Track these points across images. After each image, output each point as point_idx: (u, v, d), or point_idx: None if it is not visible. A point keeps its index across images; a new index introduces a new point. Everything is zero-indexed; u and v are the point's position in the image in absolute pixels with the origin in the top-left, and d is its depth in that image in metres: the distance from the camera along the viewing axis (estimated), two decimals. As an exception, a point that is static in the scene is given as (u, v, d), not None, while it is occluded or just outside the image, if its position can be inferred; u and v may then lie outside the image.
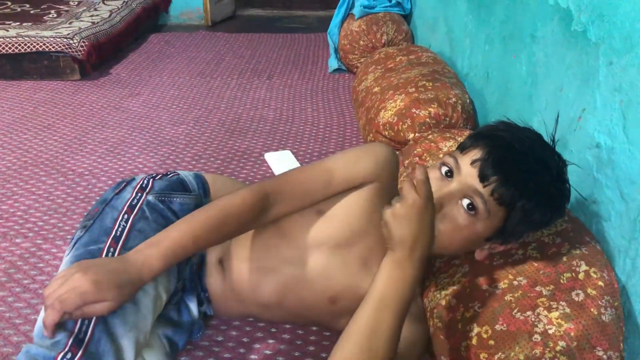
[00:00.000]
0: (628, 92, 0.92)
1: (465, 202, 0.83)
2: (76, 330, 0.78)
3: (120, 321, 0.81)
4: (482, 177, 0.82)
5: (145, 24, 3.47)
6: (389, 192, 0.97)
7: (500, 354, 0.85)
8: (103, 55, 2.77)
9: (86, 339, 0.78)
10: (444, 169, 0.86)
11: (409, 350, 0.89)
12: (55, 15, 3.12)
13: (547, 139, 0.90)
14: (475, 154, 0.84)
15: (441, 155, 1.28)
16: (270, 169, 1.78)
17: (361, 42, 2.65)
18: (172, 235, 0.85)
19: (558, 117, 1.02)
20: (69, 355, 0.75)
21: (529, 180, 0.82)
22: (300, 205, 0.96)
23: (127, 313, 0.83)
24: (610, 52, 0.99)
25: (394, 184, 0.99)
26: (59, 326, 0.77)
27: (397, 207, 0.72)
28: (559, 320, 0.83)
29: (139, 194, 1.00)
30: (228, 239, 0.94)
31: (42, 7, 3.32)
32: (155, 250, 0.83)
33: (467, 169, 0.84)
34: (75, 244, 0.92)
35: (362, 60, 2.59)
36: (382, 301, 0.72)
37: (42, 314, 0.84)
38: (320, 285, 0.98)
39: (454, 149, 1.01)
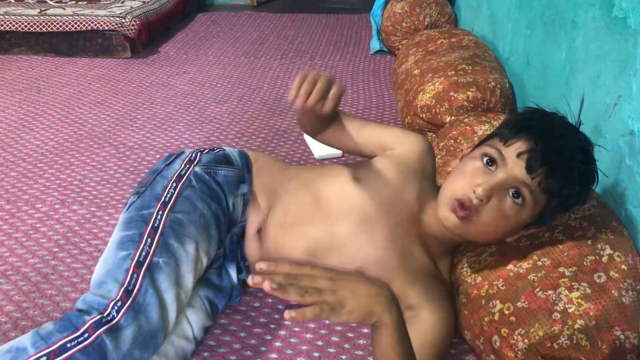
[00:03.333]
0: (663, 81, 0.93)
1: (513, 192, 0.87)
2: (126, 282, 0.88)
3: (164, 277, 0.90)
4: (530, 169, 0.85)
5: (193, 4, 3.56)
6: (425, 177, 1.05)
7: (520, 329, 0.89)
8: (153, 33, 2.87)
9: (134, 291, 0.87)
10: (485, 159, 0.90)
11: (447, 337, 0.97)
12: (108, -6, 3.23)
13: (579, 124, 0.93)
14: (520, 146, 0.87)
15: (476, 139, 1.30)
16: (309, 149, 1.84)
17: (404, 24, 2.65)
18: None
19: (583, 100, 1.04)
20: (119, 303, 0.85)
21: (574, 169, 0.85)
22: (353, 146, 1.09)
23: (170, 270, 0.92)
24: (648, 40, 0.99)
25: (431, 173, 1.08)
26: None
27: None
28: (579, 300, 0.86)
29: (187, 166, 1.08)
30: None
31: (96, -14, 3.44)
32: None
33: (513, 161, 0.87)
34: (129, 207, 1.02)
35: (404, 42, 2.59)
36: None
37: (97, 269, 0.94)
38: (349, 254, 1.01)
39: (489, 132, 1.04)
